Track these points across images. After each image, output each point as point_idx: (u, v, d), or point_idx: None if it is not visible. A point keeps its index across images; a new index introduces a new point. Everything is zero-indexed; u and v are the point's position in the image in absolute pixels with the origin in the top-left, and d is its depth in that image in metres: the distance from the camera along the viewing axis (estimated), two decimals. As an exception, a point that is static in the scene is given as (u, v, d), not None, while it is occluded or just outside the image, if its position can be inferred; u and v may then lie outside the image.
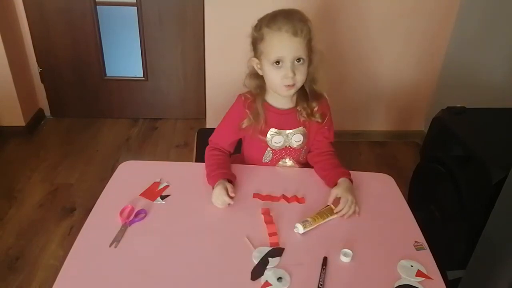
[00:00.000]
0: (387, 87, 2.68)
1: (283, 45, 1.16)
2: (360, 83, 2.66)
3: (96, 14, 2.61)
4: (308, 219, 1.09)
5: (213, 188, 1.18)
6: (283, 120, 1.31)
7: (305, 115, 1.29)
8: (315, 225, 1.09)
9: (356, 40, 2.51)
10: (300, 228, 1.07)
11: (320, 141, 1.36)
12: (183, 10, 2.61)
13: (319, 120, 1.31)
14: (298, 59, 1.17)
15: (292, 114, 1.31)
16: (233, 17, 2.38)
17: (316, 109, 1.30)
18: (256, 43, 1.21)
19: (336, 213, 1.14)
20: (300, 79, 1.20)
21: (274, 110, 1.30)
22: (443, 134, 1.69)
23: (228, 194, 1.15)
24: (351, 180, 1.24)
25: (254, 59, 1.24)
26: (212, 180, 1.21)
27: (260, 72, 1.25)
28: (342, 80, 2.61)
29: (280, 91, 1.23)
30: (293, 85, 1.20)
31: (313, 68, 1.24)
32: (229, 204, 1.15)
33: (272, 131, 1.31)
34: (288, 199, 1.20)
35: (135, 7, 2.59)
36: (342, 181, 1.22)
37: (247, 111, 1.28)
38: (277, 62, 1.17)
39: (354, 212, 1.14)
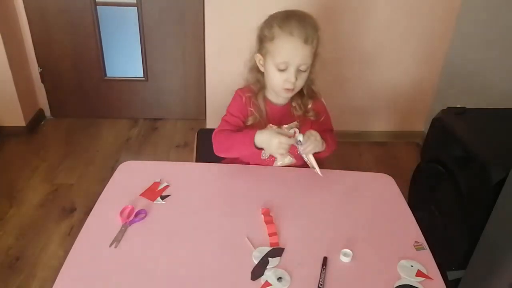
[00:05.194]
0: (388, 87, 2.68)
1: (292, 51, 1.16)
2: (360, 84, 2.66)
3: (96, 14, 2.61)
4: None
5: (254, 143, 1.19)
6: (281, 115, 1.32)
7: (300, 112, 1.30)
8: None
9: (357, 40, 2.51)
10: (300, 137, 1.16)
11: (318, 125, 1.35)
12: (183, 11, 2.61)
13: (313, 119, 1.33)
14: (303, 66, 1.18)
15: (288, 109, 1.32)
16: (233, 18, 2.39)
17: (310, 106, 1.31)
18: (263, 40, 1.20)
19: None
20: (300, 84, 1.22)
21: (273, 106, 1.32)
22: (443, 134, 1.69)
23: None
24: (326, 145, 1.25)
25: (258, 55, 1.24)
26: (252, 133, 1.20)
27: (261, 69, 1.25)
28: (342, 81, 2.61)
29: (279, 93, 1.24)
30: (293, 89, 1.21)
31: (314, 71, 1.25)
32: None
33: (271, 127, 1.31)
34: None
35: (135, 7, 2.60)
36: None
37: (251, 109, 1.28)
38: (282, 65, 1.17)
39: (316, 147, 1.18)
